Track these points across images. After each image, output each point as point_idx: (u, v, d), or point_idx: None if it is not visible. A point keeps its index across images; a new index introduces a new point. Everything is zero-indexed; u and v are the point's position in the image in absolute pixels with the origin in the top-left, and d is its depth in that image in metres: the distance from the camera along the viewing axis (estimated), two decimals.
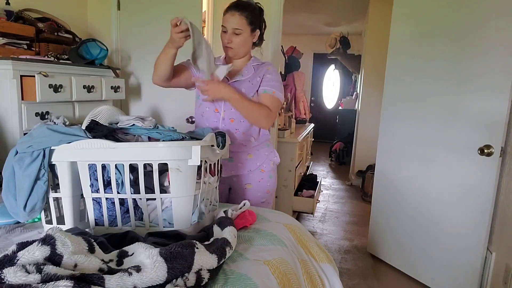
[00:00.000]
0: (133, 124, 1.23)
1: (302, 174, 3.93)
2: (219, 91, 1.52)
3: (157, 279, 0.76)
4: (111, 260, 0.84)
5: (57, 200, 1.14)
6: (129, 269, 0.76)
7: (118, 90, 2.49)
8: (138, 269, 0.77)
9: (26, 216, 1.08)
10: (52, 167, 1.08)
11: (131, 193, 1.06)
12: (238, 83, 1.66)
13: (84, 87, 2.18)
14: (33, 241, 0.75)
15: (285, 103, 3.88)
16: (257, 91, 1.66)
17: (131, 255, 0.85)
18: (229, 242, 0.97)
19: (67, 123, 1.99)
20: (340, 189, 4.83)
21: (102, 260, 0.81)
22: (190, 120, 2.66)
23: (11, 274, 0.66)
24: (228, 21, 1.59)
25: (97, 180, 1.06)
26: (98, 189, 1.07)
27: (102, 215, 1.09)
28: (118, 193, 1.07)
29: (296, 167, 3.34)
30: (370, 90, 4.68)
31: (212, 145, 1.16)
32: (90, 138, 1.05)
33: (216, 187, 1.31)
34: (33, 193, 1.06)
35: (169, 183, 1.07)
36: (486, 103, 1.96)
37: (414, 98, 2.39)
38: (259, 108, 1.60)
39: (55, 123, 1.94)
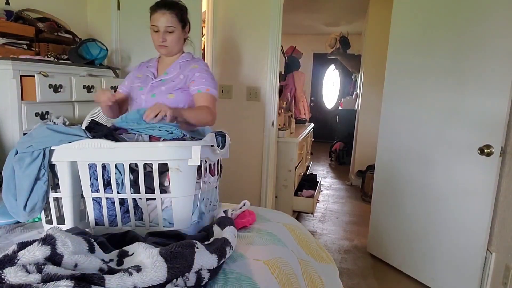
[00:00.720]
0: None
1: (302, 174, 3.93)
2: (180, 112, 1.48)
3: (157, 279, 0.76)
4: (111, 260, 0.84)
5: (57, 200, 1.14)
6: (129, 269, 0.76)
7: None
8: (138, 269, 0.77)
9: (26, 216, 1.08)
10: (52, 167, 1.08)
11: (131, 193, 1.06)
12: (161, 82, 1.68)
13: (84, 87, 2.18)
14: (34, 241, 0.75)
15: (285, 103, 3.88)
16: (181, 89, 1.66)
17: (131, 255, 0.85)
18: (229, 242, 0.97)
19: (67, 123, 2.00)
20: (340, 189, 4.83)
21: (102, 260, 0.81)
22: None
23: (12, 274, 0.66)
24: (159, 20, 1.62)
25: (97, 180, 1.06)
26: (98, 189, 1.07)
27: (102, 215, 1.09)
28: (118, 193, 1.07)
29: (296, 167, 3.35)
30: (370, 90, 4.68)
31: (212, 145, 1.16)
32: (90, 138, 1.05)
33: (216, 187, 1.31)
34: (33, 193, 1.06)
35: (169, 183, 1.07)
36: (486, 103, 1.96)
37: (414, 98, 2.39)
38: (201, 112, 1.59)
39: (55, 123, 1.94)
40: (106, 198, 1.08)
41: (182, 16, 1.66)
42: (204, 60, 1.77)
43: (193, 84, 1.65)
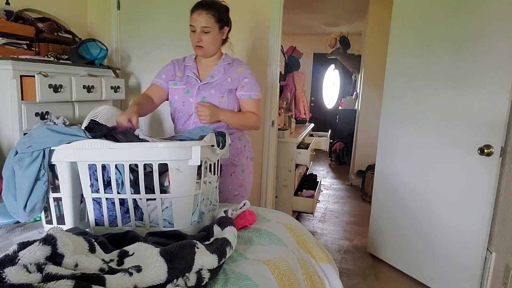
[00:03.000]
0: None
1: (302, 174, 3.93)
2: (218, 116, 1.63)
3: (157, 279, 0.77)
4: (111, 260, 0.84)
5: (57, 200, 1.14)
6: (129, 269, 0.76)
7: (118, 90, 2.49)
8: (138, 269, 0.77)
9: (26, 216, 1.08)
10: (52, 167, 1.08)
11: (131, 193, 1.06)
12: (208, 85, 1.70)
13: (84, 87, 2.18)
14: (34, 241, 0.75)
15: (285, 103, 3.88)
16: (229, 92, 1.69)
17: (132, 255, 0.85)
18: (229, 242, 0.97)
19: (67, 123, 1.99)
20: (340, 189, 4.84)
21: (103, 260, 0.81)
22: None
23: (12, 274, 0.66)
24: (196, 20, 1.63)
25: (97, 180, 1.06)
26: (98, 189, 1.07)
27: (102, 215, 1.09)
28: (118, 193, 1.07)
29: (296, 167, 3.35)
30: (370, 90, 4.68)
31: (212, 145, 1.16)
32: (89, 138, 1.05)
33: (216, 187, 1.31)
34: (33, 193, 1.06)
35: (169, 183, 1.07)
36: (486, 103, 1.97)
37: (414, 98, 2.39)
38: (248, 118, 1.72)
39: (55, 123, 1.94)
40: (106, 198, 1.08)
41: (220, 16, 1.66)
42: (248, 67, 1.84)
43: (243, 89, 1.72)
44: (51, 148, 1.05)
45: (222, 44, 1.78)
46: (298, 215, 3.60)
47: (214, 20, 1.64)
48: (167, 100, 1.81)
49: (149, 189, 1.07)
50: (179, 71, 1.77)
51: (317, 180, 4.05)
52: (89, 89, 2.21)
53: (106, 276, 0.73)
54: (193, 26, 1.64)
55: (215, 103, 1.66)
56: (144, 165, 1.05)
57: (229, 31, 1.76)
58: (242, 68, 1.74)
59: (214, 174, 1.25)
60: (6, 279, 0.65)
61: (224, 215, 1.19)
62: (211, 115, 1.57)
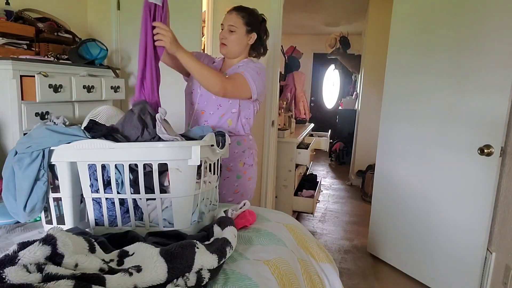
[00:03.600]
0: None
1: (302, 174, 3.93)
2: (177, 47, 1.44)
3: (157, 279, 0.77)
4: (111, 260, 0.84)
5: (57, 200, 1.14)
6: (129, 269, 0.76)
7: (118, 90, 2.49)
8: (138, 269, 0.77)
9: (26, 217, 1.08)
10: (51, 167, 1.08)
11: (131, 193, 1.06)
12: None
13: (84, 87, 2.18)
14: (34, 241, 0.75)
15: (285, 103, 3.88)
16: None
17: (132, 255, 0.85)
18: (229, 242, 0.97)
19: (67, 123, 1.99)
20: (340, 189, 4.84)
21: (103, 260, 0.81)
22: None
23: (12, 274, 0.66)
24: (226, 19, 1.69)
25: (97, 180, 1.06)
26: (98, 189, 1.07)
27: (102, 215, 1.09)
28: (118, 193, 1.07)
29: (296, 167, 3.35)
30: (370, 90, 4.68)
31: (212, 145, 1.16)
32: (89, 138, 1.05)
33: (216, 187, 1.31)
34: (33, 193, 1.05)
35: (169, 183, 1.07)
36: (486, 103, 1.97)
37: (414, 98, 2.39)
38: (211, 72, 1.51)
39: (55, 123, 1.93)
40: (106, 198, 1.08)
41: (249, 20, 1.68)
42: (262, 66, 1.77)
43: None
44: (51, 148, 1.05)
45: (256, 54, 1.78)
46: (298, 215, 3.60)
47: (243, 21, 1.67)
48: (184, 75, 1.82)
49: (149, 189, 1.07)
50: (206, 63, 1.77)
51: (317, 180, 4.05)
52: (89, 89, 2.21)
53: (106, 276, 0.73)
54: (222, 24, 1.69)
55: (212, 98, 1.65)
56: (144, 164, 1.05)
57: (262, 41, 1.75)
58: (251, 64, 1.68)
59: (214, 173, 1.25)
60: (6, 279, 0.65)
61: (224, 215, 1.19)
62: (170, 41, 1.40)
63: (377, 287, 2.39)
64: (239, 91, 1.62)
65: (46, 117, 1.97)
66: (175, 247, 0.83)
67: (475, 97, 2.02)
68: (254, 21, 1.70)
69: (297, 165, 3.39)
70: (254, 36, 1.72)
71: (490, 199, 1.96)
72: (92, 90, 2.23)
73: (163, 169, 1.09)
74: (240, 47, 1.71)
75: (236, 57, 1.74)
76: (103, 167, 1.06)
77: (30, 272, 0.67)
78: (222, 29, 1.70)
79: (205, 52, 3.05)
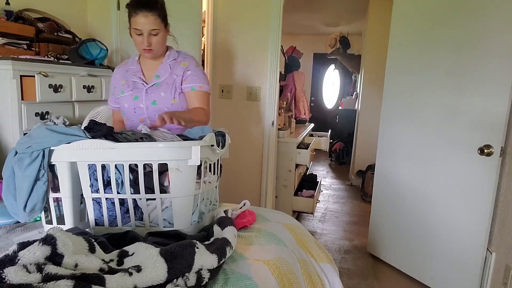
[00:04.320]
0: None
1: (302, 174, 3.93)
2: (181, 116, 1.46)
3: (157, 278, 0.77)
4: (111, 260, 0.84)
5: (57, 200, 1.14)
6: (129, 269, 0.76)
7: None
8: (138, 269, 0.77)
9: (26, 217, 1.08)
10: (51, 167, 1.08)
11: (131, 193, 1.06)
12: (155, 86, 1.62)
13: (84, 87, 2.18)
14: (34, 241, 0.75)
15: (285, 103, 3.88)
16: (180, 88, 1.63)
17: (132, 255, 0.85)
18: (229, 242, 0.97)
19: (67, 123, 1.99)
20: (340, 189, 4.83)
21: (103, 260, 0.81)
22: None
23: (12, 274, 0.66)
24: (141, 23, 1.50)
25: (97, 180, 1.06)
26: (98, 189, 1.07)
27: (102, 215, 1.09)
28: (118, 193, 1.07)
29: (296, 167, 3.35)
30: (370, 90, 4.68)
31: (212, 145, 1.16)
32: (89, 138, 1.05)
33: (216, 187, 1.31)
34: (33, 193, 1.06)
35: (169, 183, 1.07)
36: (486, 103, 1.96)
37: (414, 98, 2.39)
38: (197, 114, 1.57)
39: (55, 123, 1.94)
40: (106, 198, 1.08)
41: (164, 15, 1.57)
42: (194, 58, 1.74)
43: (185, 82, 1.62)
44: (51, 148, 1.05)
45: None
46: (298, 215, 3.60)
47: (160, 20, 1.54)
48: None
49: (149, 189, 1.07)
50: (123, 78, 1.69)
51: (317, 180, 4.05)
52: (89, 89, 2.21)
53: (106, 276, 0.73)
54: (139, 30, 1.51)
55: (167, 106, 1.59)
56: (144, 164, 1.05)
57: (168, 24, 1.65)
58: (185, 61, 1.65)
59: (214, 173, 1.25)
60: (6, 279, 0.65)
61: (224, 215, 1.19)
62: (176, 117, 1.42)
63: (377, 287, 2.39)
64: (209, 105, 1.69)
65: (46, 117, 1.97)
66: (175, 247, 0.83)
67: (475, 97, 2.02)
68: (165, 11, 1.58)
69: (297, 165, 3.39)
70: (169, 26, 1.62)
71: (490, 199, 1.96)
72: (92, 90, 2.23)
73: (163, 168, 1.09)
74: (164, 45, 1.63)
75: (161, 55, 1.66)
76: (103, 167, 1.06)
77: (30, 272, 0.67)
78: (138, 34, 1.53)
79: (205, 51, 3.05)
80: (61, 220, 1.12)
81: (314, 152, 4.09)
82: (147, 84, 1.64)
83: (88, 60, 2.33)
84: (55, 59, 2.13)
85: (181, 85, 1.63)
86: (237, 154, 2.95)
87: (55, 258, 0.74)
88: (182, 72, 1.63)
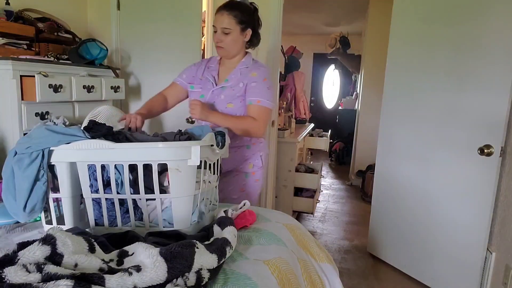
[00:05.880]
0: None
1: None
2: (207, 116, 1.55)
3: (157, 278, 0.76)
4: (111, 260, 0.84)
5: (57, 200, 1.14)
6: (129, 269, 0.76)
7: (118, 90, 2.49)
8: (138, 269, 0.77)
9: (26, 217, 1.08)
10: (51, 167, 1.08)
11: (131, 193, 1.06)
12: (221, 89, 1.67)
13: (84, 87, 2.18)
14: (34, 241, 0.75)
15: (285, 103, 3.88)
16: (242, 96, 1.66)
17: (131, 255, 0.85)
18: (229, 242, 0.97)
19: (67, 123, 2.00)
20: (340, 189, 4.84)
21: (103, 259, 0.81)
22: (190, 120, 2.66)
23: (12, 274, 0.66)
24: (217, 20, 1.62)
25: (96, 180, 1.06)
26: (98, 189, 1.06)
27: (102, 215, 1.09)
28: (118, 193, 1.07)
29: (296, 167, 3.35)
30: (370, 90, 4.68)
31: (212, 145, 1.16)
32: (88, 138, 1.05)
33: (216, 187, 1.31)
34: (33, 194, 1.05)
35: (168, 183, 1.07)
36: (486, 103, 1.96)
37: (414, 98, 2.39)
38: (243, 122, 1.61)
39: (55, 123, 1.94)
40: (106, 199, 1.08)
41: (242, 17, 1.62)
42: (267, 71, 1.75)
43: (247, 94, 1.65)
44: (51, 149, 1.05)
45: (251, 46, 1.75)
46: (298, 215, 3.60)
47: (236, 21, 1.61)
48: (187, 98, 1.80)
49: (149, 189, 1.06)
50: (201, 73, 1.76)
51: None
52: (89, 89, 2.21)
53: (106, 276, 0.73)
54: (215, 26, 1.63)
55: (221, 109, 1.64)
56: (145, 164, 1.05)
57: (256, 33, 1.72)
58: (255, 72, 1.67)
59: (214, 173, 1.25)
60: (5, 279, 0.65)
61: (224, 215, 1.19)
62: (200, 111, 1.52)
63: (377, 287, 2.39)
64: (267, 121, 1.67)
65: (46, 117, 1.97)
66: (175, 247, 0.83)
67: (475, 97, 2.02)
68: (247, 17, 1.64)
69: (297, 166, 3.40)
70: (249, 32, 1.68)
71: (490, 199, 1.96)
72: (92, 90, 2.23)
73: (163, 168, 1.09)
74: (237, 47, 1.67)
75: (235, 56, 1.71)
76: (103, 167, 1.06)
77: (29, 272, 0.67)
78: (215, 31, 1.64)
79: (204, 51, 3.05)
80: (61, 220, 1.12)
81: (312, 153, 4.08)
82: (216, 85, 1.70)
83: (88, 60, 2.33)
84: (55, 59, 2.14)
85: (245, 94, 1.66)
86: None
87: (55, 258, 0.74)
88: (249, 82, 1.66)
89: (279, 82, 3.08)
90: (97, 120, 1.43)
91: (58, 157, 1.05)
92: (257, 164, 1.81)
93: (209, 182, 1.20)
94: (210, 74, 1.73)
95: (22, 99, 1.84)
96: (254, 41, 1.74)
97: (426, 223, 2.33)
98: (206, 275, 0.84)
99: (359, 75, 5.37)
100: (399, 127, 2.51)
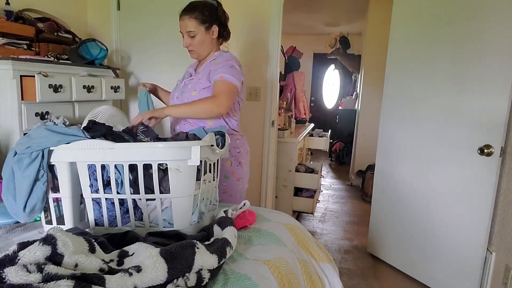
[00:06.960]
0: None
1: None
2: (163, 112, 1.58)
3: (157, 279, 0.76)
4: (111, 260, 0.84)
5: (57, 200, 1.13)
6: (129, 269, 0.76)
7: (118, 90, 2.49)
8: (138, 269, 0.77)
9: (26, 217, 1.08)
10: (51, 167, 1.08)
11: (131, 193, 1.06)
12: (190, 80, 1.74)
13: (84, 87, 2.18)
14: (34, 241, 0.75)
15: (285, 103, 3.88)
16: (207, 88, 1.67)
17: (132, 255, 0.85)
18: (229, 242, 0.97)
19: (67, 123, 1.99)
20: (340, 189, 4.84)
21: (103, 260, 0.81)
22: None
23: (12, 274, 0.66)
24: (181, 26, 1.67)
25: (96, 180, 1.06)
26: (98, 189, 1.06)
27: (102, 215, 1.09)
28: (118, 193, 1.07)
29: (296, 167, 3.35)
30: (370, 90, 4.68)
31: (212, 145, 1.16)
32: (88, 138, 1.05)
33: (216, 187, 1.31)
34: (33, 194, 1.05)
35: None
36: (486, 103, 1.96)
37: (414, 98, 2.39)
38: (198, 103, 1.56)
39: (55, 123, 1.94)
40: (106, 199, 1.08)
41: (203, 17, 1.65)
42: (233, 57, 1.75)
43: (211, 76, 1.66)
44: (50, 149, 1.05)
45: (224, 41, 1.78)
46: (298, 215, 3.60)
47: (198, 22, 1.64)
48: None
49: (149, 189, 1.06)
50: (188, 73, 1.85)
51: None
52: (89, 89, 2.21)
53: (106, 276, 0.73)
54: (181, 32, 1.69)
55: (187, 97, 1.68)
56: (145, 164, 1.05)
57: (223, 27, 1.73)
58: (219, 59, 1.68)
59: (214, 174, 1.25)
60: (6, 279, 0.65)
61: (224, 215, 1.19)
62: (144, 114, 1.53)
63: (377, 287, 2.39)
64: (231, 95, 1.60)
65: (46, 117, 1.97)
66: (175, 247, 0.83)
67: (475, 97, 2.02)
68: (209, 14, 1.66)
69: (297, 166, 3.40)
70: (215, 28, 1.70)
71: (490, 199, 1.96)
72: (92, 90, 2.23)
73: (166, 168, 1.09)
74: (207, 46, 1.71)
75: (208, 55, 1.75)
76: (103, 167, 1.06)
77: (30, 272, 0.67)
78: (183, 37, 1.69)
79: None
80: (61, 220, 1.12)
81: (311, 153, 4.08)
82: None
83: (88, 60, 2.33)
84: (55, 59, 2.13)
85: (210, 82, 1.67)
86: None
87: (55, 258, 0.74)
88: (212, 67, 1.67)
89: (279, 82, 3.08)
90: (97, 120, 1.43)
91: (58, 157, 1.05)
92: (234, 161, 1.74)
93: (209, 182, 1.20)
94: (187, 72, 1.85)
95: (22, 99, 1.84)
96: (223, 35, 1.76)
97: (426, 223, 2.33)
98: (206, 275, 0.84)
99: (359, 75, 5.37)
100: (399, 127, 2.51)
